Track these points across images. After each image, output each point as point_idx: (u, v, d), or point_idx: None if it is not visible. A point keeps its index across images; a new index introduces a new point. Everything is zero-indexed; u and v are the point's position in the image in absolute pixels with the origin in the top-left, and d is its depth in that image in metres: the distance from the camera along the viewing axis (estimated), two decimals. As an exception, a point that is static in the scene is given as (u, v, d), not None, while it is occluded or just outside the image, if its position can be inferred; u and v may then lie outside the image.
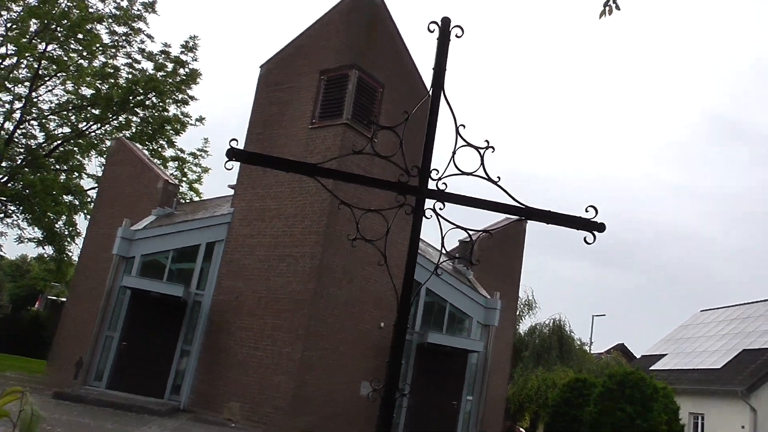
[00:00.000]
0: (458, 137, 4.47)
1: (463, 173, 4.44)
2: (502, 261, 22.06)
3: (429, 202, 5.20)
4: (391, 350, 5.28)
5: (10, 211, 28.17)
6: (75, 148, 29.42)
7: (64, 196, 28.29)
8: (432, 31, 4.41)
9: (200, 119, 30.76)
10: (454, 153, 4.83)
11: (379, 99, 17.55)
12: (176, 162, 31.02)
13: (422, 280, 16.97)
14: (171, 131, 30.25)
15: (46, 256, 30.65)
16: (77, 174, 29.68)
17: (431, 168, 5.06)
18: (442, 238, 5.52)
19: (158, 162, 28.12)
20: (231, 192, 21.14)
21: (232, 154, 4.83)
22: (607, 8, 5.53)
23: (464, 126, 4.63)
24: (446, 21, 4.52)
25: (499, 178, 4.45)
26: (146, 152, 26.15)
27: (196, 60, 29.40)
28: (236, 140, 5.22)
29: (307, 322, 15.70)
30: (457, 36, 4.39)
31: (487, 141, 4.88)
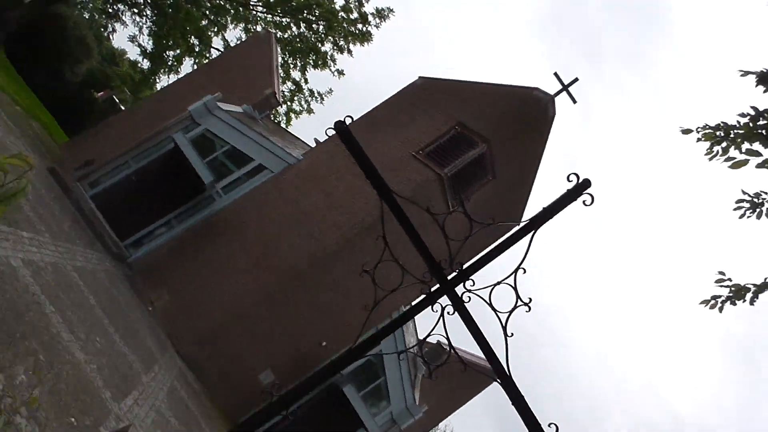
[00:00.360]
0: (513, 275, 4.46)
1: (493, 309, 4.44)
2: (454, 389, 21.66)
3: (445, 299, 5.18)
4: (313, 374, 5.23)
5: (144, 13, 29.42)
6: (231, 11, 30.38)
7: (192, 38, 29.34)
8: (570, 181, 4.42)
9: (340, 72, 31.33)
10: (497, 284, 4.80)
11: (482, 184, 17.56)
12: (294, 86, 31.63)
13: (384, 348, 16.85)
14: (311, 61, 30.91)
15: (139, 66, 31.82)
16: (216, 29, 30.66)
17: (471, 276, 5.05)
18: (428, 335, 5.46)
19: (281, 74, 28.76)
20: (313, 144, 21.44)
21: (339, 128, 4.92)
22: (712, 302, 5.48)
23: (524, 271, 4.61)
24: (586, 183, 4.52)
25: (512, 333, 4.46)
26: (279, 59, 26.76)
27: (377, 27, 30.02)
28: (351, 118, 5.30)
29: (273, 289, 15.69)
30: (584, 203, 4.39)
31: (530, 299, 4.85)
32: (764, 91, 5.00)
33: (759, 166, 4.89)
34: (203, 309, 15.60)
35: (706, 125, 5.16)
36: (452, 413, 23.65)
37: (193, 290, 15.95)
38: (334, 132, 5.09)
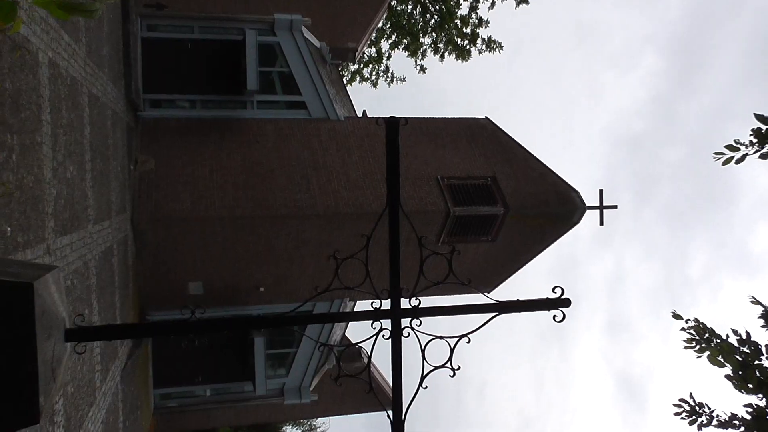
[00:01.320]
0: (457, 339, 4.52)
1: (423, 357, 4.50)
2: (347, 395, 21.74)
3: (388, 322, 5.22)
4: (237, 318, 5.28)
5: None
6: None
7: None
8: (553, 292, 4.50)
9: (423, 68, 31.33)
10: (440, 337, 4.86)
11: (479, 241, 17.63)
12: (375, 54, 31.57)
13: (311, 329, 16.95)
14: (404, 43, 30.84)
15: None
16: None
17: (421, 317, 5.09)
18: (356, 344, 5.53)
19: (374, 36, 28.76)
20: (360, 113, 21.50)
21: (391, 124, 4.97)
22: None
23: (469, 340, 4.71)
24: (566, 302, 4.60)
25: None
26: (380, 24, 26.73)
27: (480, 52, 29.93)
28: (406, 121, 5.37)
29: (247, 215, 15.73)
30: (554, 318, 4.49)
31: (459, 366, 4.93)
32: (762, 326, 5.10)
33: (708, 358, 4.99)
34: (177, 195, 15.61)
35: (698, 320, 5.25)
36: (334, 415, 23.76)
37: (178, 174, 15.97)
38: (384, 122, 5.13)
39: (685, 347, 5.18)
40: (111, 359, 11.10)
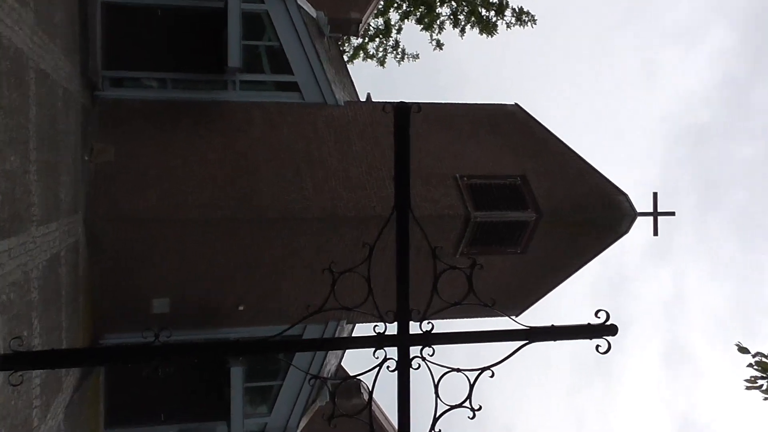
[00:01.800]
0: (478, 373, 4.47)
1: (437, 395, 4.46)
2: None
3: (394, 351, 5.17)
4: (211, 343, 5.26)
5: None
6: None
7: None
8: (597, 317, 4.46)
9: (439, 44, 31.24)
10: (457, 370, 4.82)
11: (506, 253, 17.59)
12: (383, 27, 31.55)
13: (298, 358, 16.95)
14: (417, 14, 30.78)
15: None
16: None
17: (434, 345, 5.02)
18: (354, 377, 5.48)
19: (381, 4, 28.80)
20: (363, 98, 21.50)
21: (401, 111, 4.97)
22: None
23: (493, 374, 4.65)
24: (612, 329, 4.57)
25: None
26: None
27: (508, 26, 29.75)
28: (419, 107, 5.40)
29: (228, 218, 15.72)
30: (598, 348, 4.43)
31: (480, 407, 4.86)
32: None
33: None
34: (141, 191, 15.58)
35: (765, 355, 5.17)
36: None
37: (143, 166, 15.94)
38: (393, 109, 5.15)
39: (748, 388, 5.11)
40: (53, 392, 11.04)
